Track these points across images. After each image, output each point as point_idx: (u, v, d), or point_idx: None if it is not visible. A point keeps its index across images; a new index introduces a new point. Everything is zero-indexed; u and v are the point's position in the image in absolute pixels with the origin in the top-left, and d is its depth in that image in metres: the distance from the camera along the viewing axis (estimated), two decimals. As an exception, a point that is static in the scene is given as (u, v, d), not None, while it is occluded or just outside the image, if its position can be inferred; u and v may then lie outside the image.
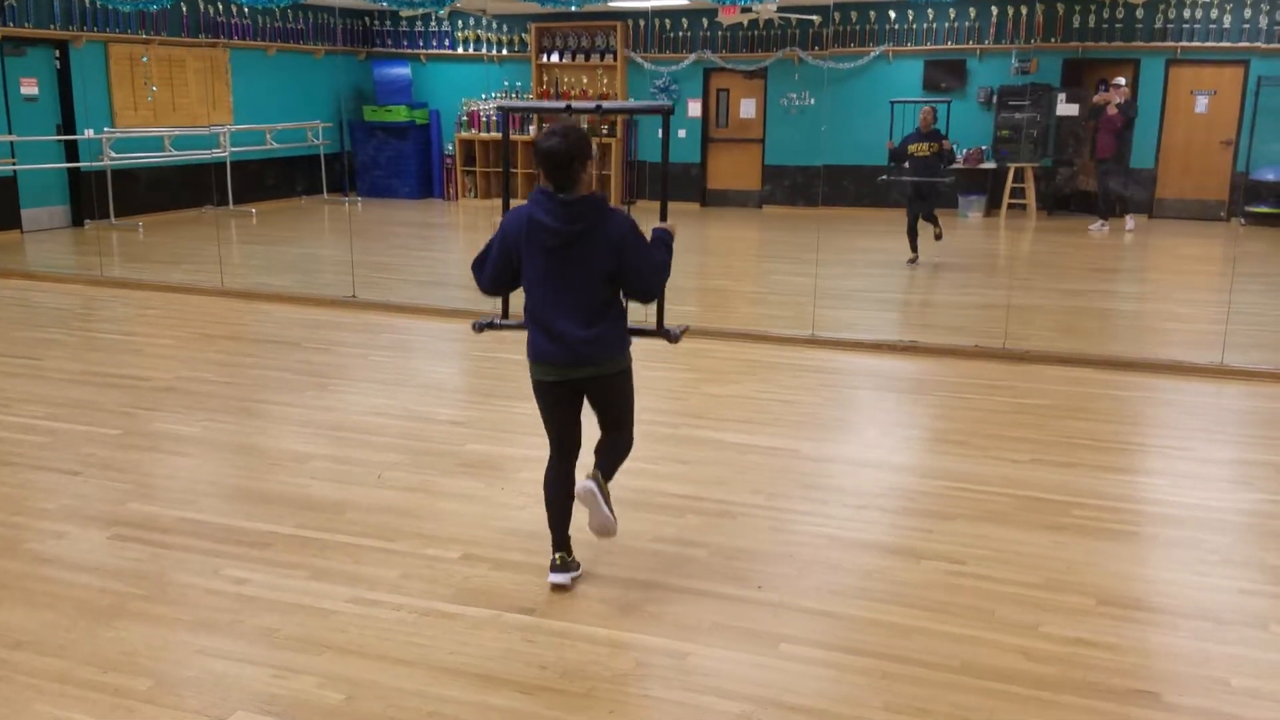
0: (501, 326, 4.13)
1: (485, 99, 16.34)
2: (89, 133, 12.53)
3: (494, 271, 3.75)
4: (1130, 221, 13.46)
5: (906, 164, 10.58)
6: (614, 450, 3.83)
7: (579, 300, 3.60)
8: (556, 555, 3.85)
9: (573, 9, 8.23)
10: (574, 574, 3.87)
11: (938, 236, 10.69)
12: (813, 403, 6.23)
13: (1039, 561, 3.99)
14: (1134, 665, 3.29)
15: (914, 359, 7.14)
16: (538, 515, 4.33)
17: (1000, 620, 3.55)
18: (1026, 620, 3.56)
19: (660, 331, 4.03)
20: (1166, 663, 3.31)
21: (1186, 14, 13.72)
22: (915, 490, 4.72)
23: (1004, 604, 3.67)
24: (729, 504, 4.54)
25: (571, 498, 3.86)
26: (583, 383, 3.71)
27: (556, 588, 3.79)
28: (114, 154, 12.82)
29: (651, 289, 3.70)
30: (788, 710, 3.04)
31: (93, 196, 12.68)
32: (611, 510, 3.73)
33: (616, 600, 3.70)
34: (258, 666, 3.27)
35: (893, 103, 11.63)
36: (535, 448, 5.02)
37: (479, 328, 4.19)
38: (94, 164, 12.61)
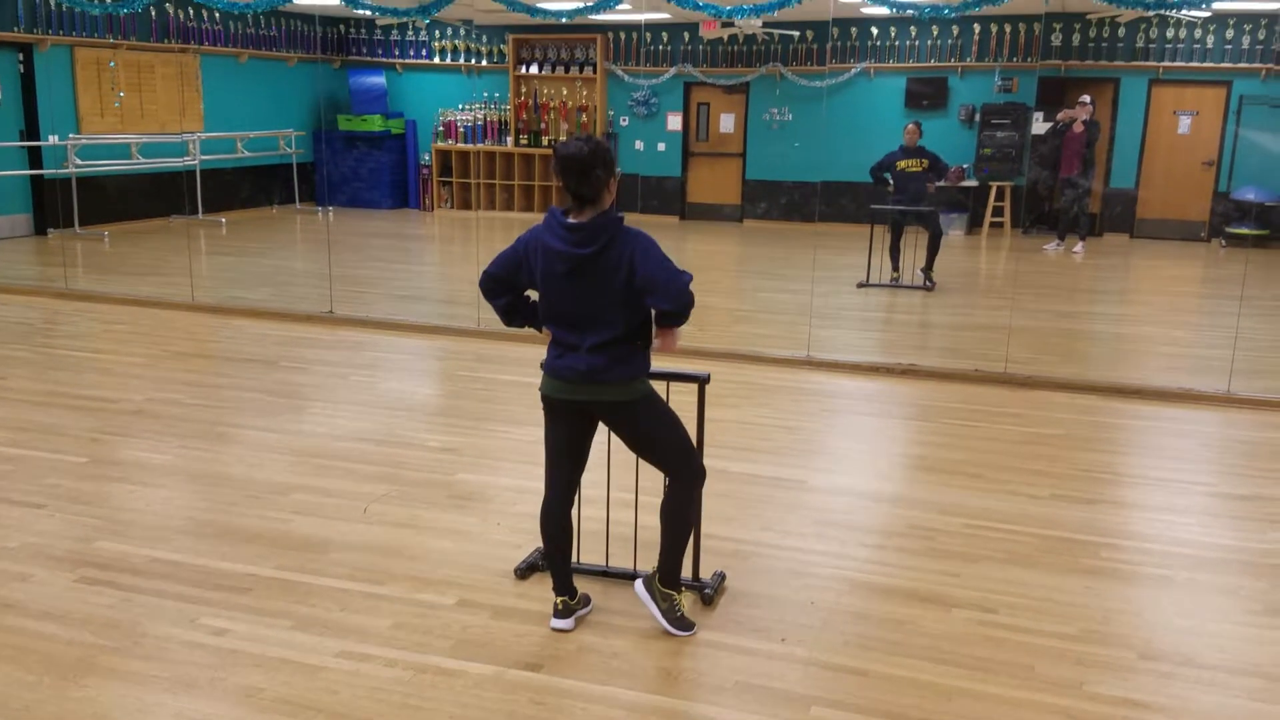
0: (546, 568, 3.92)
1: (462, 109, 16.07)
2: (53, 139, 12.11)
3: (501, 263, 3.46)
4: (1079, 246, 12.98)
5: (891, 183, 10.41)
6: (673, 517, 3.52)
7: (593, 322, 3.35)
8: (557, 600, 3.60)
9: (563, 20, 7.98)
10: (581, 613, 3.64)
11: (927, 283, 10.23)
12: (816, 429, 6.00)
13: (1074, 610, 3.77)
14: (1190, 730, 3.07)
15: (914, 383, 6.93)
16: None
17: (1041, 678, 3.32)
18: (1069, 677, 3.33)
19: (694, 583, 3.82)
20: (1224, 727, 3.10)
21: (1169, 34, 13.69)
22: (935, 528, 4.49)
23: (1043, 659, 3.44)
24: (740, 542, 4.29)
25: (568, 537, 3.60)
26: (591, 407, 3.44)
27: (558, 632, 3.55)
28: (79, 161, 12.41)
29: (678, 297, 3.26)
30: (826, 784, 2.79)
31: (57, 205, 12.26)
32: (675, 622, 3.52)
33: (628, 654, 3.44)
34: (242, 733, 2.98)
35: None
36: (530, 477, 4.79)
37: (521, 572, 3.97)
38: (58, 171, 12.19)
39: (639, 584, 3.61)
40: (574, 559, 3.73)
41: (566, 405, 3.46)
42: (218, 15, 14.03)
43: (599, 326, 3.34)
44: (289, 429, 5.71)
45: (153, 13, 13.25)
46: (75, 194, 12.44)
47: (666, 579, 3.55)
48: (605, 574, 3.94)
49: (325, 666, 3.34)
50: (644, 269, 3.27)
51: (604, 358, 3.35)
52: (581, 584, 3.79)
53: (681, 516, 3.53)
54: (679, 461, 3.51)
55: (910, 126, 10.39)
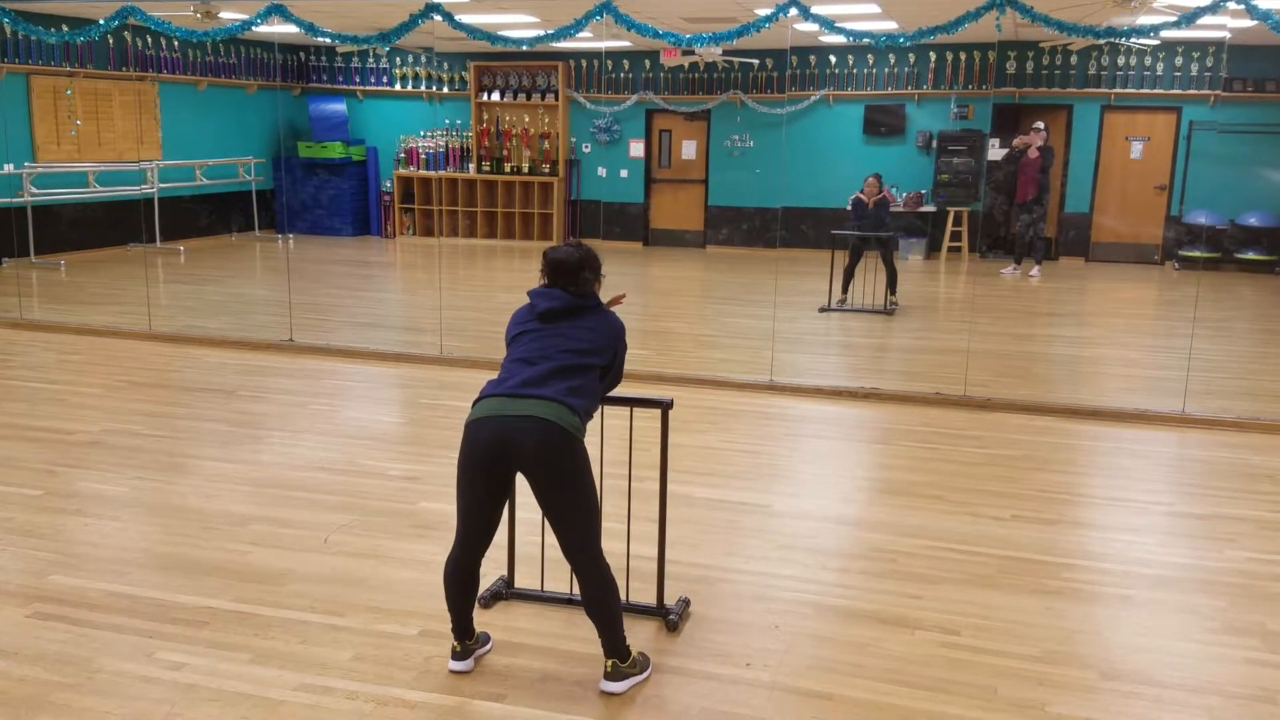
0: (514, 595, 3.87)
1: (424, 136, 16.07)
2: (9, 168, 11.96)
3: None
4: (1036, 269, 13.21)
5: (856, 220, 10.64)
6: (602, 608, 3.32)
7: (550, 362, 3.31)
8: (455, 643, 3.49)
9: (524, 48, 8.00)
10: (480, 652, 3.56)
11: (889, 305, 10.44)
12: (779, 453, 6.01)
13: (1035, 630, 3.80)
14: (1151, 749, 3.09)
15: (876, 406, 6.97)
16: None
17: (1004, 700, 3.34)
18: (1031, 698, 3.35)
19: (659, 609, 3.81)
20: (1184, 745, 3.12)
21: (1120, 61, 13.97)
22: (897, 550, 4.51)
23: (1005, 680, 3.45)
24: (705, 568, 4.29)
25: (470, 590, 3.43)
26: (516, 440, 3.19)
27: (456, 674, 3.45)
28: (35, 190, 12.26)
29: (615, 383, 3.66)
30: (791, 809, 2.78)
31: (12, 234, 12.10)
32: (643, 673, 3.43)
33: (592, 681, 3.41)
34: (199, 769, 2.93)
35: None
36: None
37: (484, 601, 3.92)
38: (13, 200, 12.04)
39: (605, 684, 3.35)
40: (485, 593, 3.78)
41: (487, 428, 3.25)
42: (176, 43, 13.95)
43: (551, 364, 3.31)
44: (248, 459, 5.65)
45: (110, 41, 13.15)
46: (31, 223, 12.28)
47: (622, 655, 3.37)
48: (570, 602, 3.91)
49: (285, 700, 3.29)
50: (617, 363, 3.54)
51: (541, 387, 3.25)
52: (549, 613, 3.77)
53: (609, 603, 3.33)
54: (587, 530, 3.28)
55: (871, 179, 10.63)
